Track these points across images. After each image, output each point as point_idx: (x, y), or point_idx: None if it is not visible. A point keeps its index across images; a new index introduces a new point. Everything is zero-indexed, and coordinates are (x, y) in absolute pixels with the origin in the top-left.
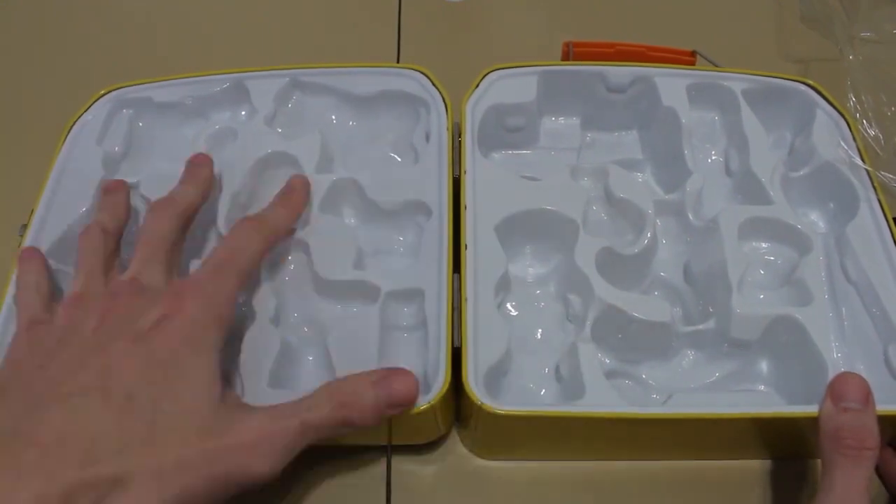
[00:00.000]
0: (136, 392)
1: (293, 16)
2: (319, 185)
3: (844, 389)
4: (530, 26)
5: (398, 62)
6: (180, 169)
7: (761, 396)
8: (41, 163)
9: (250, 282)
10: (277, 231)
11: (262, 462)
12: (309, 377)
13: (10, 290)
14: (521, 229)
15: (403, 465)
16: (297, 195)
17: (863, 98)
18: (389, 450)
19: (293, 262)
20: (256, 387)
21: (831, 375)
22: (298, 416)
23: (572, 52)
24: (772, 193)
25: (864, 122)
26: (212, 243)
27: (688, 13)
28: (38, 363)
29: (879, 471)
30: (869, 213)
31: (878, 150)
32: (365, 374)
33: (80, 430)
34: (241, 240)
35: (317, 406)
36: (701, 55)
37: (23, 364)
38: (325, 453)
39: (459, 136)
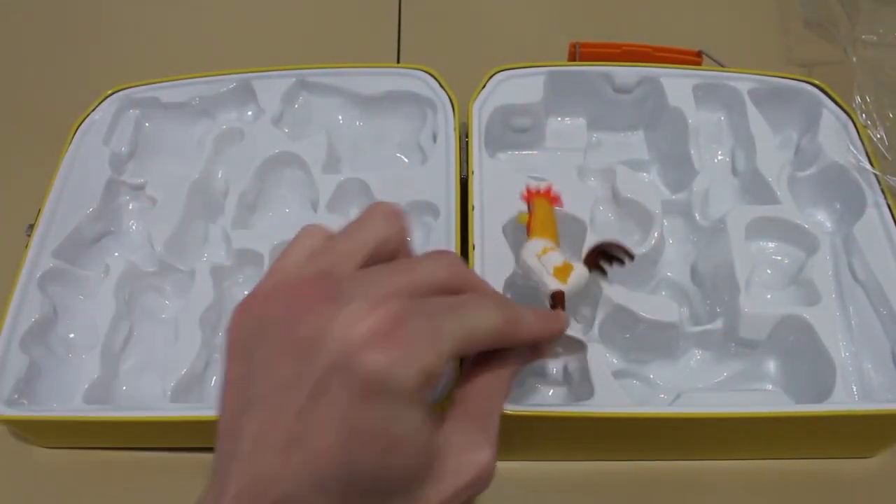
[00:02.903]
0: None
1: (297, 15)
2: (327, 186)
3: None
4: (536, 27)
5: (398, 62)
6: (187, 169)
7: (769, 396)
8: (48, 163)
9: None
10: (518, 331)
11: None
12: None
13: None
14: None
15: None
16: (557, 318)
17: (867, 100)
18: None
19: None
20: None
21: (839, 375)
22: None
23: (579, 53)
24: (778, 193)
25: (870, 123)
26: (213, 243)
27: (693, 14)
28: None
29: None
30: (876, 214)
31: (885, 152)
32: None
33: None
34: (476, 302)
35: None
36: (707, 55)
37: None
38: None
39: (466, 137)
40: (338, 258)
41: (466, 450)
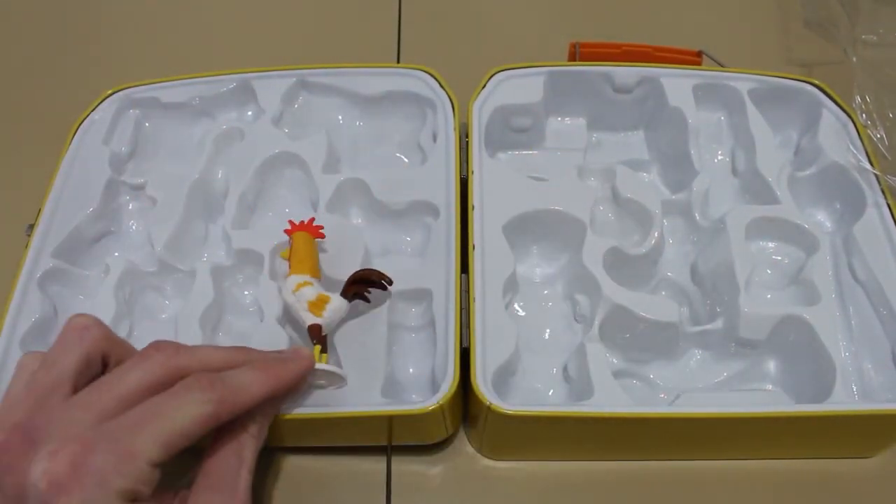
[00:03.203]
0: None
1: (297, 15)
2: (326, 186)
3: None
4: (536, 27)
5: (398, 62)
6: (187, 169)
7: (769, 396)
8: (48, 163)
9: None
10: (234, 403)
11: None
12: None
13: (23, 277)
14: (528, 229)
15: (410, 466)
16: (286, 365)
17: (867, 100)
18: (389, 450)
19: None
20: None
21: (839, 375)
22: None
23: (579, 53)
24: (778, 193)
25: (870, 123)
26: (213, 243)
27: (693, 14)
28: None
29: None
30: (876, 214)
31: (885, 152)
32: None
33: None
34: (176, 398)
35: None
36: (707, 55)
37: None
38: (327, 452)
39: (466, 137)
40: (43, 393)
41: None
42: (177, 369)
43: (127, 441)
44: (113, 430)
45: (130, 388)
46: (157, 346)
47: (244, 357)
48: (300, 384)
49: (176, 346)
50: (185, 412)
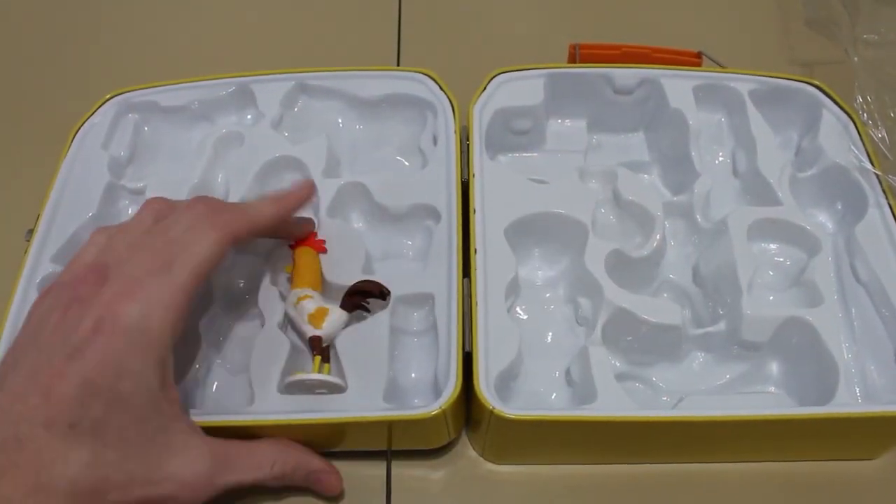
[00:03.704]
0: (78, 420)
1: (297, 19)
2: (327, 190)
3: None
4: (536, 29)
5: (398, 65)
6: (186, 173)
7: (772, 398)
8: (47, 167)
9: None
10: (252, 224)
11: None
12: None
13: (22, 282)
14: (530, 232)
15: (413, 470)
16: (291, 195)
17: (868, 99)
18: (389, 454)
19: None
20: (267, 392)
21: (842, 376)
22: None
23: (579, 55)
24: (780, 194)
25: (871, 123)
26: None
27: (693, 15)
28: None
29: None
30: (878, 215)
31: (886, 152)
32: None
33: (25, 459)
34: (192, 231)
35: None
36: (707, 56)
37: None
38: (332, 457)
39: (467, 140)
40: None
41: (187, 461)
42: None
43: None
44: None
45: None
46: (200, 199)
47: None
48: (306, 202)
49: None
50: (261, 211)
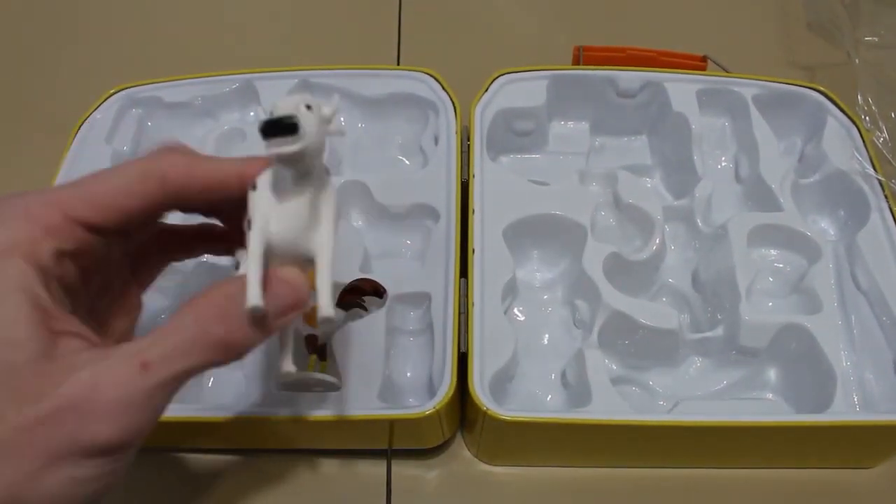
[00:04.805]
0: None
1: (300, 16)
2: None
3: None
4: (540, 30)
5: (398, 65)
6: None
7: (769, 405)
8: (51, 162)
9: None
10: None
11: (104, 427)
12: None
13: None
14: (529, 234)
15: (407, 470)
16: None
17: (870, 101)
18: (389, 454)
19: None
20: (262, 390)
21: (840, 384)
22: (140, 357)
23: (582, 57)
24: (782, 200)
25: (872, 125)
26: None
27: (698, 18)
28: None
29: None
30: (880, 222)
31: (888, 155)
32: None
33: None
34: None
35: (170, 335)
36: (712, 60)
37: None
38: (325, 456)
39: (468, 140)
40: None
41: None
42: None
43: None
44: None
45: None
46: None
47: None
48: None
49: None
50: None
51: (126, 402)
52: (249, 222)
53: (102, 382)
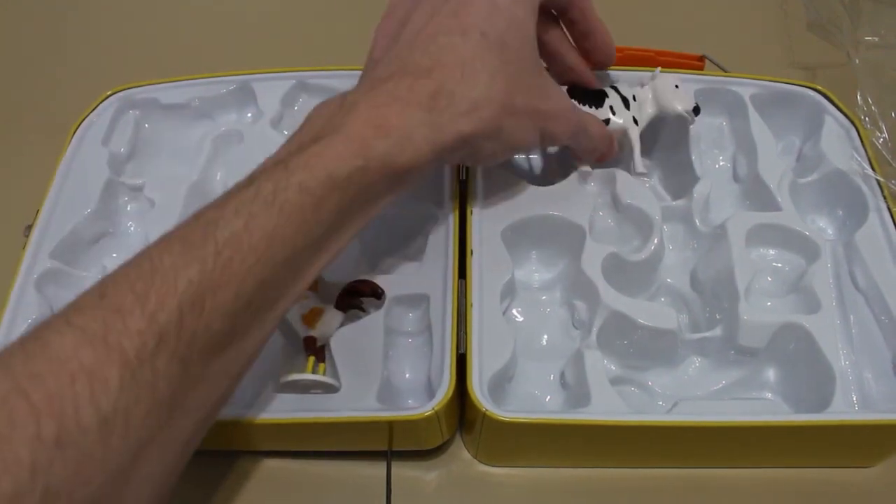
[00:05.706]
0: (487, 31)
1: (297, 17)
2: None
3: None
4: None
5: None
6: (186, 170)
7: (768, 404)
8: (47, 163)
9: None
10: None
11: (557, 133)
12: None
13: (20, 277)
14: (527, 235)
15: (406, 471)
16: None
17: (870, 101)
18: (389, 455)
19: None
20: (261, 392)
21: (839, 384)
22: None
23: None
24: (780, 200)
25: (871, 126)
26: None
27: (695, 17)
28: (399, 20)
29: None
30: (878, 221)
31: (887, 155)
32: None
33: (451, 58)
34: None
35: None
36: (710, 59)
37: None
38: (324, 457)
39: None
40: None
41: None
42: None
43: None
44: None
45: None
46: None
47: None
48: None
49: None
50: None
51: (554, 135)
52: (635, 119)
53: (571, 118)
